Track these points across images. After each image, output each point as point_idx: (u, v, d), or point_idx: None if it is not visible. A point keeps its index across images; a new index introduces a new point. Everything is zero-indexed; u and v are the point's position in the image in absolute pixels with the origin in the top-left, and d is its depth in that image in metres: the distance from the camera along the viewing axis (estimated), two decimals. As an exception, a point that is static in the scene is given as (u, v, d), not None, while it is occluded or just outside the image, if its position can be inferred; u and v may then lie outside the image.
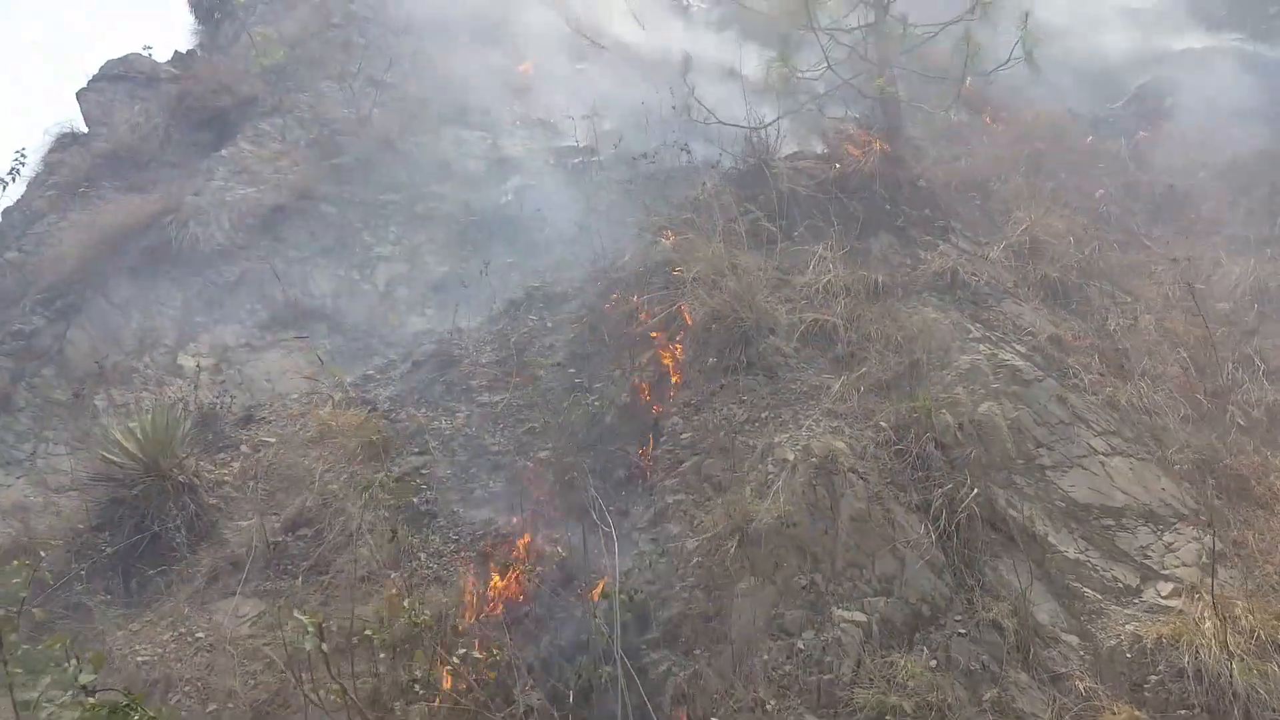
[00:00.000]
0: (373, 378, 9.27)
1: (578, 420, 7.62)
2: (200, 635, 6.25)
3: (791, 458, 5.76)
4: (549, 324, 9.41)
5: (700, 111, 9.95)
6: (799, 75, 10.09)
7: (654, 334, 7.34)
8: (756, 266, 7.41)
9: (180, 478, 7.12)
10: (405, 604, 5.26)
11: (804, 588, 5.20)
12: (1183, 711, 4.89)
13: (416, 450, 7.77)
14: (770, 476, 5.76)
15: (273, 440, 8.08)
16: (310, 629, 4.12)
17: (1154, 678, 5.05)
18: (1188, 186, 11.04)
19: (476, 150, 13.93)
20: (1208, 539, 6.02)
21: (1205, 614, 5.33)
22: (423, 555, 6.61)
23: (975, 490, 5.57)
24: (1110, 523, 5.93)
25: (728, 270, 7.40)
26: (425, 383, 8.87)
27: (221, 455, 7.90)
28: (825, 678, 4.89)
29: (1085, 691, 5.03)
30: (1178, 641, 5.08)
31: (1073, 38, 14.02)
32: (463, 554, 6.56)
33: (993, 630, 5.15)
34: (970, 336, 7.04)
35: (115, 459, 7.24)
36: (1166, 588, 5.72)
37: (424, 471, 7.47)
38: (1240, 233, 9.92)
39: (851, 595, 5.13)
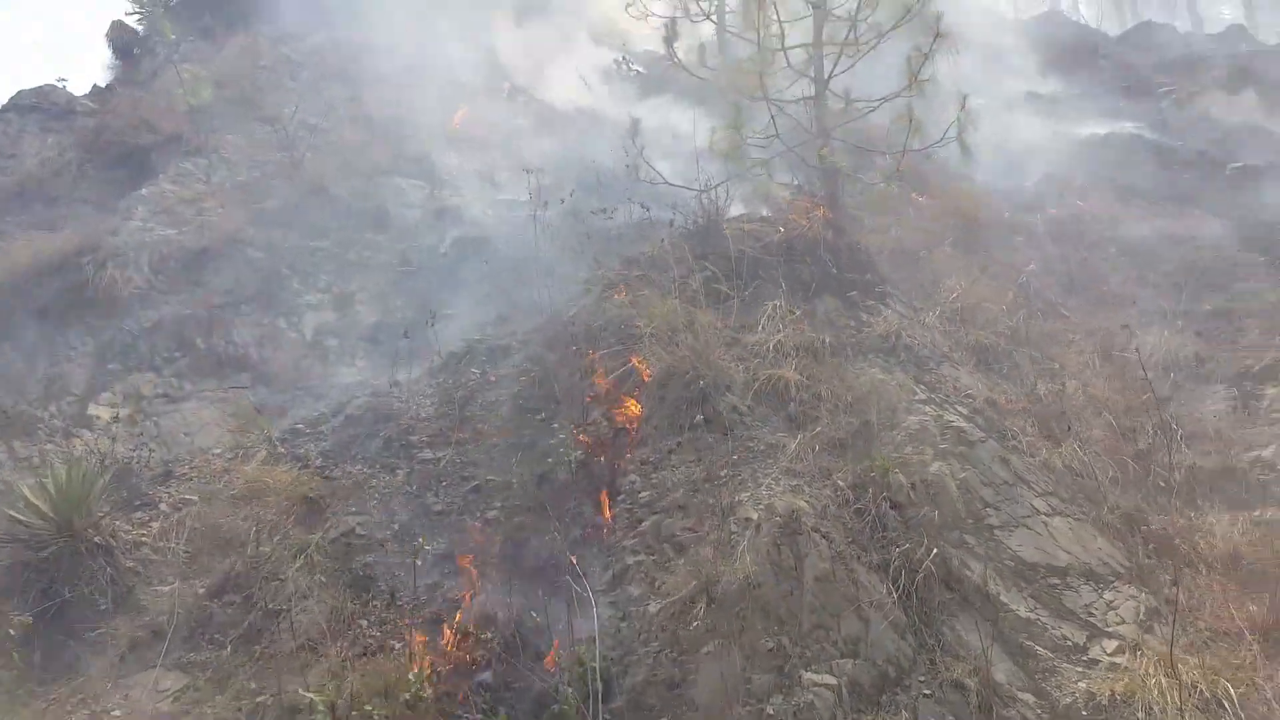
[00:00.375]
0: (302, 432, 8.89)
1: (527, 478, 7.47)
2: (116, 714, 5.79)
3: (755, 517, 5.75)
4: (492, 378, 9.24)
5: (648, 172, 10.12)
6: (746, 141, 10.38)
7: (608, 389, 7.27)
8: (711, 324, 7.44)
9: (96, 539, 6.64)
10: (411, 676, 4.97)
11: (771, 650, 5.14)
12: (1138, 768, 4.99)
13: (354, 510, 7.46)
14: (734, 536, 5.72)
15: (195, 498, 7.63)
16: (320, 708, 3.80)
17: (1109, 735, 5.16)
18: (1099, 261, 11.69)
19: (414, 199, 13.79)
20: (1145, 596, 6.26)
21: (1151, 670, 5.48)
22: (364, 622, 6.29)
23: (934, 550, 5.65)
24: (1056, 581, 6.10)
25: (684, 327, 7.43)
26: (360, 438, 8.55)
27: (139, 514, 7.40)
28: (796, 745, 4.82)
29: (1045, 751, 5.10)
30: (1131, 698, 5.20)
31: (988, 117, 14.86)
32: (407, 621, 6.28)
33: (955, 690, 5.18)
34: (916, 398, 7.22)
35: (22, 518, 6.72)
36: (1111, 645, 5.88)
37: (362, 533, 7.15)
38: (1150, 306, 10.51)
39: (819, 657, 5.10)
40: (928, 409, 7.10)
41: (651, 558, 5.93)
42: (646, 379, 7.26)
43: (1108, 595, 6.17)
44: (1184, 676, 5.42)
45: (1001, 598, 5.80)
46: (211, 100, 14.66)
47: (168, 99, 15.04)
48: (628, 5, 18.77)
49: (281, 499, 7.38)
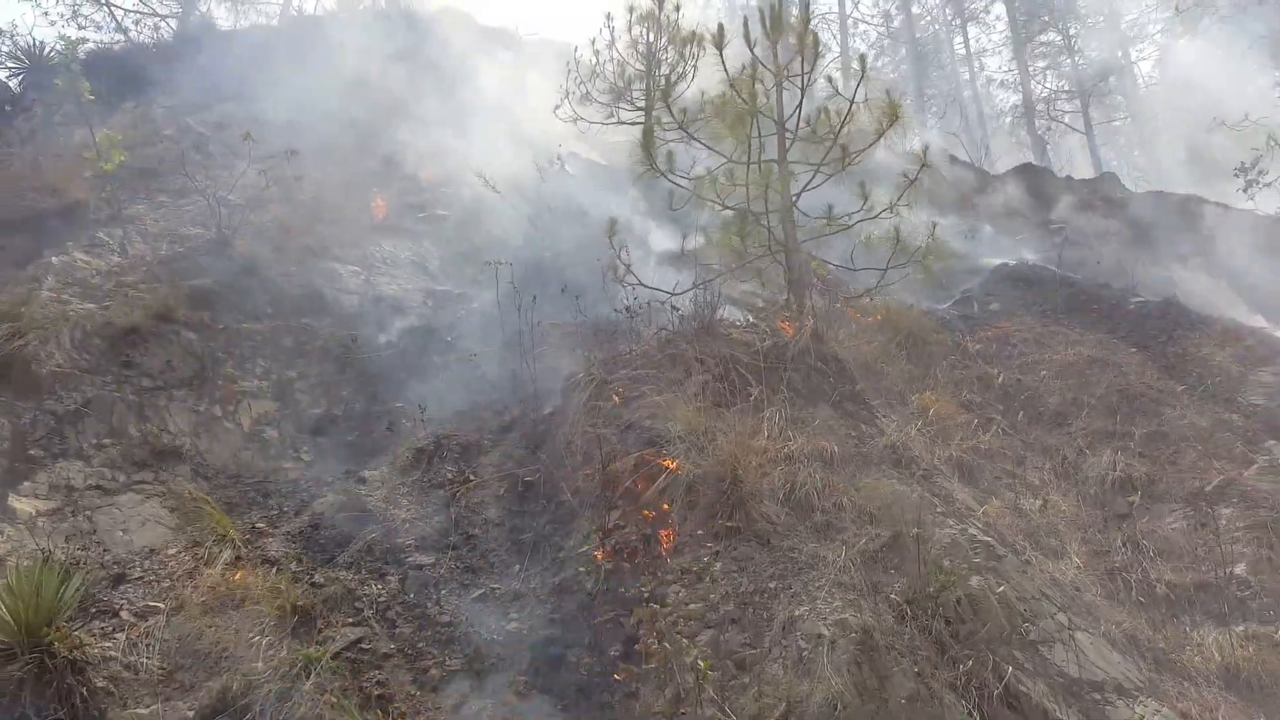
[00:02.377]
0: (265, 532, 8.22)
1: (539, 586, 7.16)
2: None
3: (826, 633, 5.69)
4: (472, 477, 8.88)
5: (622, 269, 10.24)
6: (746, 249, 10.73)
7: (638, 493, 7.11)
8: (736, 430, 7.46)
9: (64, 653, 5.84)
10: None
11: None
12: None
13: (351, 620, 6.89)
14: (803, 653, 5.64)
15: (161, 606, 6.86)
16: None
17: None
18: (1033, 381, 12.52)
19: (350, 285, 13.34)
20: (1166, 710, 6.55)
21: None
22: None
23: (1003, 668, 5.75)
24: (1098, 696, 6.29)
25: (706, 432, 7.42)
26: (336, 540, 7.99)
27: (98, 624, 6.57)
28: None
29: None
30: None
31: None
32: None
33: (1040, 815, 5.20)
34: (938, 510, 7.42)
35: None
36: (1155, 758, 6.08)
37: (366, 645, 6.61)
38: (1089, 426, 11.30)
39: (917, 782, 5.04)
40: (950, 522, 7.31)
41: (716, 675, 5.73)
42: (675, 485, 7.14)
43: (1138, 709, 6.40)
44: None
45: (1058, 715, 5.92)
46: (114, 169, 13.83)
47: (67, 163, 14.12)
48: (555, 108, 19.41)
49: (266, 608, 6.74)
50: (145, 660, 6.31)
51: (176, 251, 12.43)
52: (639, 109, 18.80)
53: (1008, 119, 43.38)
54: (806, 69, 10.58)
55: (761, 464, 7.45)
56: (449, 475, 8.99)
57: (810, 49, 10.58)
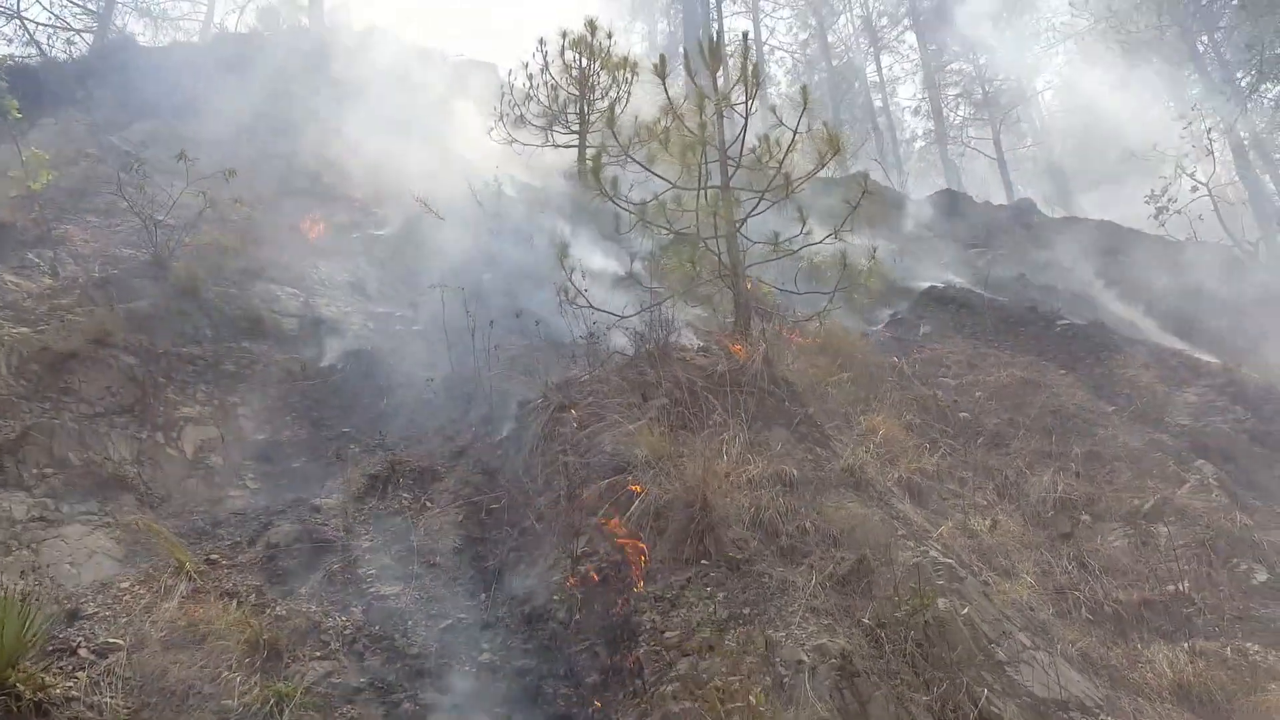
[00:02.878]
0: (219, 564, 7.97)
1: (506, 615, 7.10)
2: None
3: (806, 659, 5.78)
4: (428, 504, 8.78)
5: (574, 292, 10.28)
6: (698, 274, 10.86)
7: (608, 522, 7.12)
8: (702, 454, 7.54)
9: (29, 696, 5.56)
10: None
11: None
12: None
13: (318, 654, 6.73)
14: (784, 679, 5.72)
15: (121, 643, 6.59)
16: None
17: None
18: (969, 402, 12.94)
19: (289, 307, 13.06)
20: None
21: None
22: None
23: (977, 690, 5.92)
24: (1064, 716, 6.51)
25: (669, 456, 7.49)
26: (295, 570, 7.80)
27: (57, 664, 6.28)
28: None
29: None
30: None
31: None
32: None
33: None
34: (899, 534, 7.61)
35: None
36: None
37: (336, 680, 6.45)
38: (1026, 447, 11.72)
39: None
40: (910, 544, 7.51)
41: (696, 705, 5.77)
42: (640, 511, 7.18)
43: (1099, 726, 6.65)
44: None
45: (1026, 729, 6.11)
46: (42, 188, 13.30)
47: (-10, 180, 13.54)
48: (490, 130, 19.39)
49: (232, 642, 6.53)
50: (109, 700, 6.05)
51: (111, 273, 12.01)
52: (573, 132, 18.94)
53: (919, 144, 44.93)
54: (749, 98, 10.82)
55: (725, 489, 7.53)
56: (405, 502, 8.87)
57: (751, 79, 10.84)
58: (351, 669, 6.65)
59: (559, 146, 18.02)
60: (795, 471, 8.20)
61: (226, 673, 6.33)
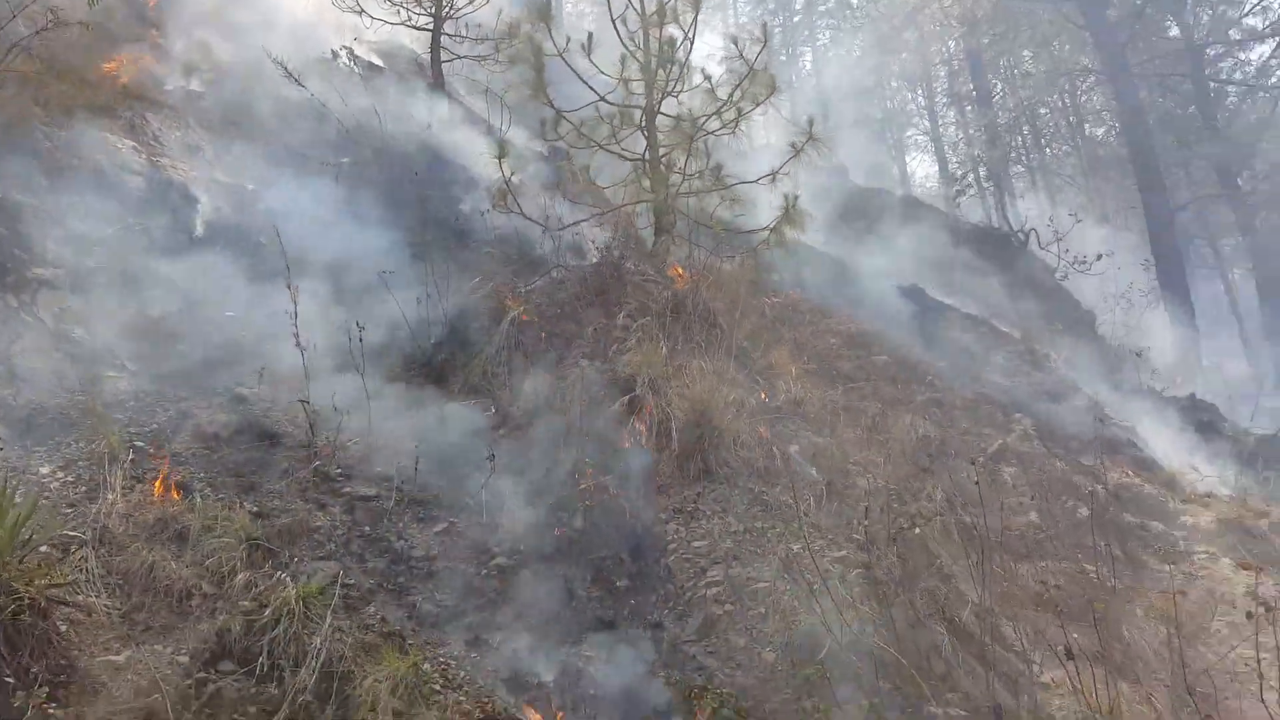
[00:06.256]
0: (147, 452, 7.22)
1: (517, 524, 7.13)
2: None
3: (832, 569, 6.48)
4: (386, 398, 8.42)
5: (510, 199, 10.15)
6: (601, 186, 10.97)
7: (636, 428, 7.35)
8: (701, 372, 7.93)
9: (28, 593, 4.90)
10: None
11: (893, 689, 5.93)
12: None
13: (319, 555, 6.42)
14: (813, 586, 6.38)
15: (80, 535, 5.90)
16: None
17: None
18: (827, 347, 14.24)
19: (131, 163, 11.54)
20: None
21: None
22: (437, 684, 5.60)
23: (951, 599, 6.94)
24: (989, 620, 7.75)
25: (663, 375, 7.82)
26: (249, 465, 7.27)
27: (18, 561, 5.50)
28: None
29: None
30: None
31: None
32: (479, 683, 5.75)
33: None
34: (851, 461, 8.51)
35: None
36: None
37: (349, 581, 6.22)
38: (877, 391, 13.17)
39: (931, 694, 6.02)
40: (860, 469, 8.43)
41: (736, 606, 6.28)
42: (653, 427, 7.49)
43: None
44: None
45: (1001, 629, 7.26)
46: None
47: None
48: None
49: (225, 541, 6.08)
50: (96, 600, 5.47)
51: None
52: (430, 15, 17.91)
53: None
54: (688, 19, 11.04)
55: (711, 410, 8.01)
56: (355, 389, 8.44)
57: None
58: (358, 571, 6.45)
59: (417, 28, 16.91)
60: (753, 400, 8.84)
61: (227, 572, 5.92)
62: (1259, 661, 3.92)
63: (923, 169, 51.25)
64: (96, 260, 9.79)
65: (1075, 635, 8.22)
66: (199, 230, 11.01)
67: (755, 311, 13.59)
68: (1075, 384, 15.32)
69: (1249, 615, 3.48)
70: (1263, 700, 5.27)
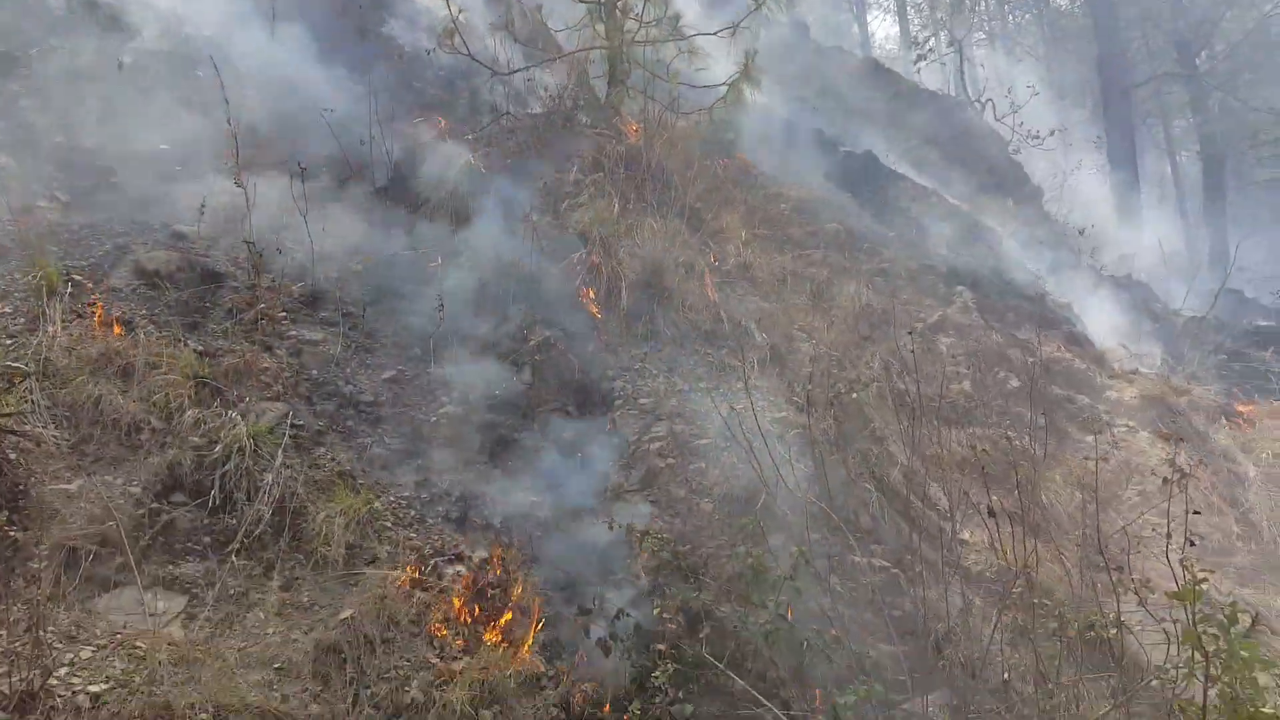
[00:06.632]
0: (84, 286, 7.12)
1: (463, 375, 7.27)
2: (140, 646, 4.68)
3: (773, 428, 6.79)
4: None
5: (459, 39, 9.80)
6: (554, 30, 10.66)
7: (582, 292, 7.44)
8: (653, 232, 8.00)
9: (-26, 419, 4.95)
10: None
11: (821, 539, 6.35)
12: None
13: (266, 396, 6.50)
14: (753, 444, 6.69)
15: (22, 367, 5.89)
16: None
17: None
18: (775, 213, 14.30)
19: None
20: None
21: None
22: (389, 521, 5.85)
23: (882, 460, 7.35)
24: (915, 480, 8.24)
25: (623, 233, 7.87)
26: (188, 305, 7.23)
27: (-36, 386, 5.52)
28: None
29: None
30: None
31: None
32: (428, 521, 6.01)
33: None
34: (795, 328, 8.75)
35: None
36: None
37: (298, 422, 6.35)
38: (825, 257, 13.37)
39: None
40: (804, 334, 8.70)
41: (679, 460, 6.59)
42: (601, 285, 7.58)
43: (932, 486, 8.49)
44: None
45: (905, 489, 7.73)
46: None
47: None
48: None
49: (172, 378, 6.13)
50: (43, 430, 5.53)
51: None
52: None
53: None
54: None
55: (662, 272, 8.12)
56: (288, 242, 8.35)
57: None
58: (306, 413, 6.57)
59: None
60: (703, 263, 8.95)
61: (175, 409, 6.00)
62: (1169, 524, 4.29)
63: (883, 29, 50.32)
64: (20, 84, 9.34)
65: (997, 498, 8.82)
66: (128, 58, 10.47)
67: (708, 173, 13.54)
68: (1017, 259, 15.72)
69: (1165, 481, 3.79)
70: (1167, 559, 5.79)
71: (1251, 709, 2.89)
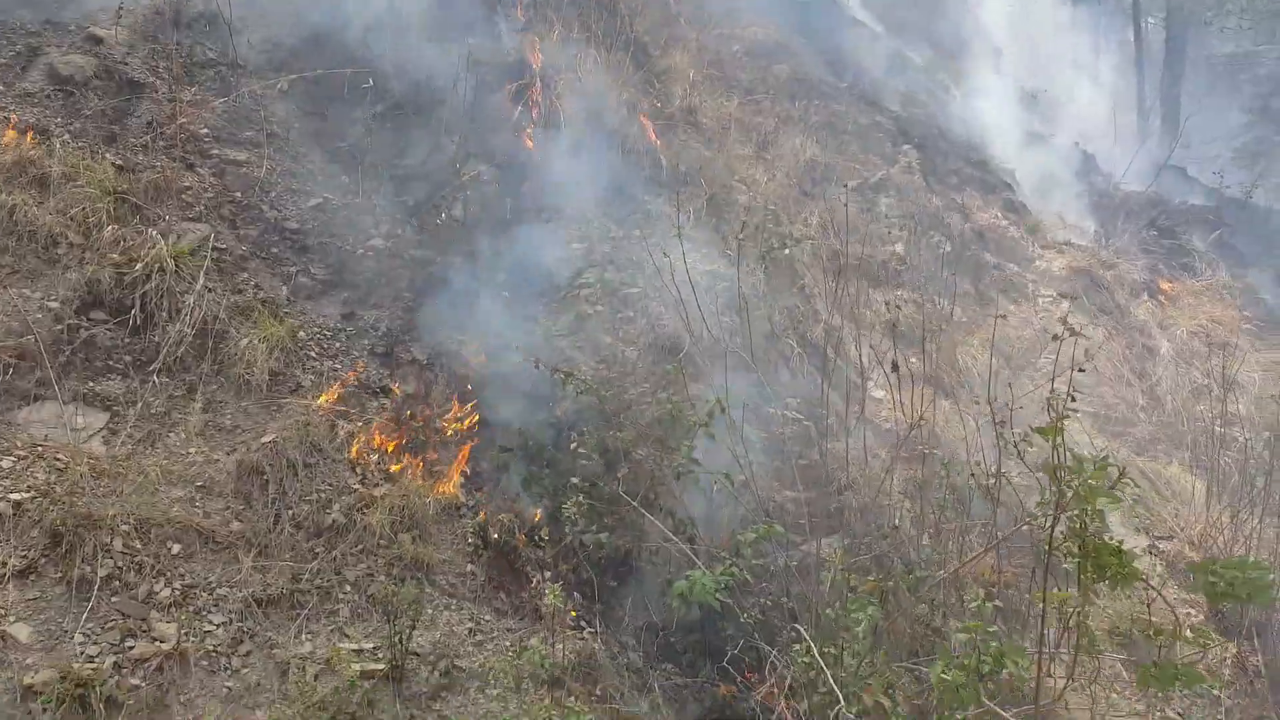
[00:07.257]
0: (-9, 89, 6.85)
1: (391, 208, 7.26)
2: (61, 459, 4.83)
3: (702, 280, 6.98)
4: (241, 64, 8.07)
5: None
6: None
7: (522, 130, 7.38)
8: (596, 65, 7.89)
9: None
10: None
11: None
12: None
13: (188, 216, 6.45)
14: (682, 294, 6.90)
15: (-76, 171, 5.74)
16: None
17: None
18: (730, 54, 14.06)
19: None
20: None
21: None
22: (313, 351, 5.98)
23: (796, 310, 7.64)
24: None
25: (565, 65, 7.77)
26: (105, 114, 7.00)
27: None
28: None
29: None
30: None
31: None
32: (354, 354, 6.17)
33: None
34: (735, 179, 8.83)
35: None
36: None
37: (220, 245, 6.35)
38: (774, 107, 13.29)
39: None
40: (742, 186, 8.80)
41: (608, 308, 6.78)
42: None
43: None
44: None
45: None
46: None
47: None
48: None
49: (90, 191, 6.03)
50: (-46, 243, 5.46)
51: None
52: None
53: None
54: None
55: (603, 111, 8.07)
56: (211, 55, 8.06)
57: None
58: (230, 236, 6.55)
59: None
60: (647, 104, 8.89)
61: (93, 224, 5.94)
62: (1053, 382, 4.59)
63: None
64: None
65: (913, 359, 9.25)
66: None
67: (658, 3, 13.21)
68: (969, 120, 15.78)
69: (1055, 338, 4.05)
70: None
71: (1097, 541, 3.24)
